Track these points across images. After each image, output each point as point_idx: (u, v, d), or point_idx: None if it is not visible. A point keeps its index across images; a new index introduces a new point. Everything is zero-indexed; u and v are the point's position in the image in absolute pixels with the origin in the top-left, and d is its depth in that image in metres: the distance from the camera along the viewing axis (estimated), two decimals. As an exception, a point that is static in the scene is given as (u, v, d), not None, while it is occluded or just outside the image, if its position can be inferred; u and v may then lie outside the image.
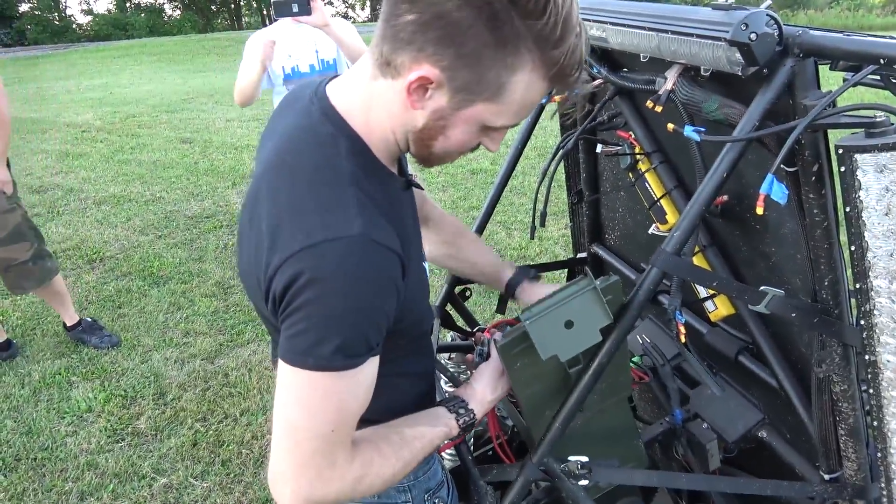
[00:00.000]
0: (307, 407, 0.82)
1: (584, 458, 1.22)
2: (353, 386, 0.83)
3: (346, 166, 0.84)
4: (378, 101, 0.85)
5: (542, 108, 1.67)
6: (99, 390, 3.09)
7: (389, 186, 0.91)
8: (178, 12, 34.53)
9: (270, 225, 0.83)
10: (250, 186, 0.93)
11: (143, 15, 32.04)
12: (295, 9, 2.68)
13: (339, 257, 0.77)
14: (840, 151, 0.94)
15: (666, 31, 1.12)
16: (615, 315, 1.09)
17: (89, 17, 32.14)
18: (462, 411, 1.05)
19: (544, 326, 1.03)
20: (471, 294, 1.86)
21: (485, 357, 1.19)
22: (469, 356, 1.24)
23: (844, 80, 1.03)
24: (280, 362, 0.82)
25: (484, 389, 1.12)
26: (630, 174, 1.58)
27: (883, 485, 1.13)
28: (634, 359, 1.63)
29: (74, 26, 31.05)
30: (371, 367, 0.84)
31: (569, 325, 1.03)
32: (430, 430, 1.00)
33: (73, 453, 2.71)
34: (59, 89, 11.87)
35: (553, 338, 1.03)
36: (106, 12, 32.61)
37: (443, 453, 1.63)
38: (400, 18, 0.77)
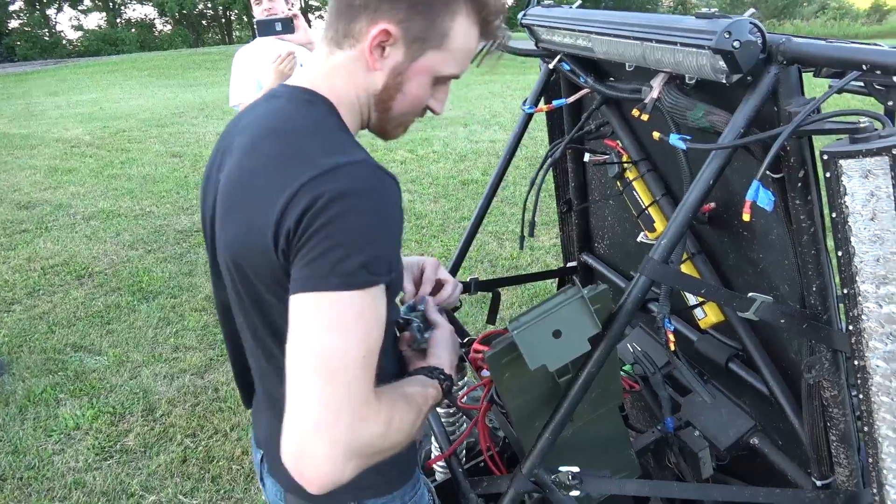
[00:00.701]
0: (339, 329, 0.76)
1: (575, 469, 1.21)
2: (376, 309, 0.79)
3: (329, 121, 0.90)
4: (339, 72, 0.92)
5: (529, 117, 1.67)
6: (87, 407, 3.06)
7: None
8: (169, 27, 34.58)
9: (269, 175, 0.83)
10: (226, 173, 0.92)
11: (133, 30, 32.07)
12: (278, 27, 2.67)
13: (354, 176, 0.79)
14: (825, 157, 0.94)
15: (650, 40, 1.12)
16: (604, 324, 1.09)
17: (79, 33, 32.15)
18: (441, 376, 1.03)
19: (532, 336, 1.02)
20: (461, 305, 1.85)
21: (423, 329, 1.13)
22: (406, 334, 1.13)
23: (830, 86, 1.04)
24: (295, 298, 0.77)
25: (450, 356, 1.09)
26: (618, 183, 1.58)
27: (875, 490, 1.12)
28: (625, 367, 1.63)
29: (64, 42, 31.03)
30: (384, 300, 0.81)
31: (557, 334, 1.03)
32: (424, 390, 0.97)
33: (60, 472, 2.67)
34: (49, 105, 11.83)
35: (541, 347, 1.02)
36: (96, 28, 32.60)
37: (434, 465, 1.62)
38: None
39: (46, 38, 30.11)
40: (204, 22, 37.40)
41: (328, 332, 0.76)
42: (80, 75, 16.56)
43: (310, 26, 2.96)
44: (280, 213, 0.78)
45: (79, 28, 32.62)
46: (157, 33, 32.84)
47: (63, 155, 7.84)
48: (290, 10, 2.88)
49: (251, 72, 2.99)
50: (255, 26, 2.73)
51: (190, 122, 9.65)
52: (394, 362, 1.06)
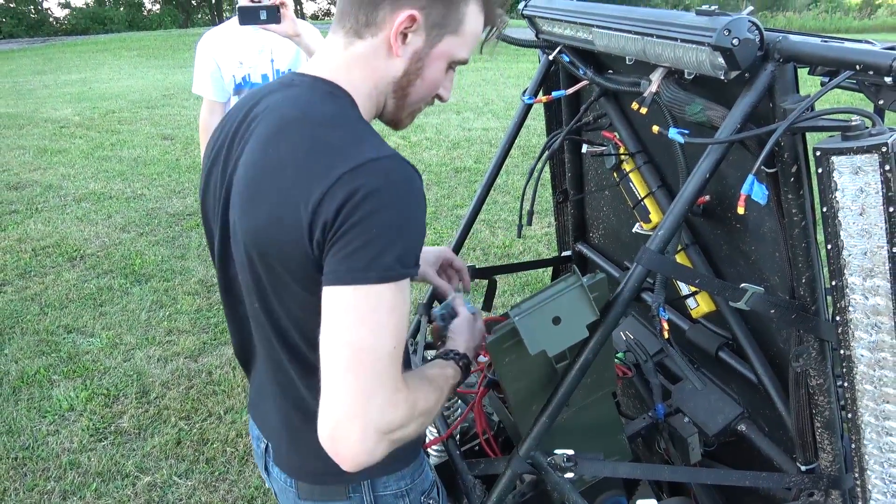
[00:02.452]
0: (373, 323, 0.80)
1: (570, 452, 1.25)
2: (405, 300, 0.83)
3: (355, 115, 0.92)
4: (359, 62, 0.94)
5: (528, 107, 1.70)
6: (81, 389, 3.07)
7: None
8: (158, 7, 34.11)
9: (299, 166, 0.84)
10: (246, 160, 0.92)
11: (122, 9, 31.60)
12: (263, 16, 2.40)
13: (389, 171, 0.82)
14: (818, 154, 0.97)
15: (651, 35, 1.15)
16: (601, 311, 1.12)
17: (67, 11, 31.63)
18: (456, 357, 1.09)
19: (533, 322, 1.05)
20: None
21: (449, 319, 1.25)
22: (434, 325, 1.28)
23: (822, 83, 1.07)
24: (331, 290, 0.81)
25: (466, 341, 1.16)
26: (615, 174, 1.61)
27: (857, 475, 1.17)
28: (618, 355, 1.67)
29: (51, 20, 30.52)
30: (409, 289, 0.85)
31: (556, 321, 1.06)
32: (442, 371, 1.03)
33: (55, 452, 2.68)
34: (37, 84, 11.68)
35: (541, 333, 1.06)
36: (84, 6, 32.10)
37: (430, 448, 1.66)
38: None
39: (33, 16, 29.61)
40: (193, 2, 36.92)
41: (363, 325, 0.80)
42: (68, 54, 16.34)
43: (301, 13, 2.78)
44: (316, 205, 0.80)
45: (66, 6, 32.10)
46: (146, 13, 32.39)
47: (52, 135, 7.77)
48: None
49: (215, 59, 2.80)
50: (237, 12, 2.43)
51: (181, 105, 9.56)
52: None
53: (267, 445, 1.13)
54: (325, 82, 0.94)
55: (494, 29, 1.02)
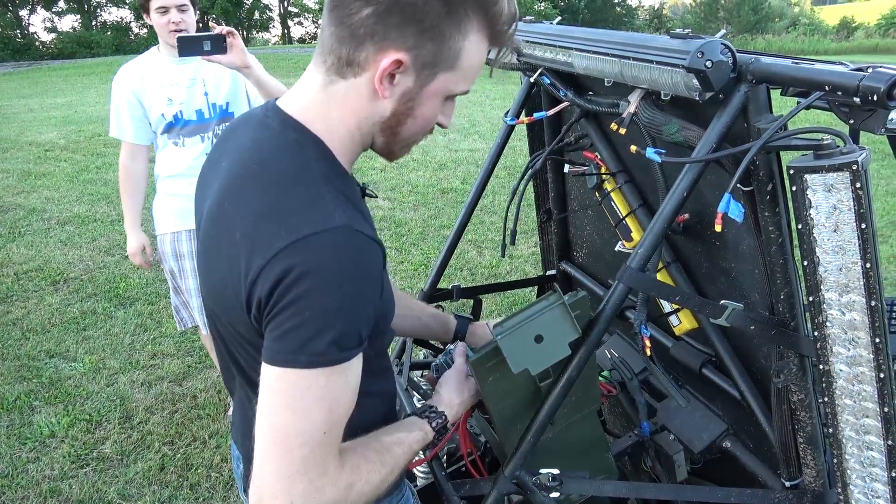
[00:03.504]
0: (300, 409, 0.78)
1: (556, 471, 1.25)
2: (345, 382, 0.81)
3: (316, 167, 0.85)
4: (339, 103, 0.87)
5: (511, 129, 1.72)
6: (62, 415, 3.02)
7: (354, 189, 0.93)
8: (145, 31, 34.22)
9: (246, 232, 0.80)
10: (209, 205, 0.90)
11: (109, 33, 31.67)
12: (206, 47, 2.10)
13: (329, 248, 0.76)
14: (791, 172, 0.99)
15: (628, 58, 1.17)
16: (583, 329, 1.13)
17: (53, 35, 31.64)
18: (433, 415, 1.07)
19: (515, 341, 1.05)
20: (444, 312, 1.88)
21: (444, 369, 1.24)
22: (429, 375, 1.27)
23: (798, 103, 1.10)
24: (266, 368, 0.78)
25: (451, 394, 1.14)
26: (597, 193, 1.63)
27: (840, 489, 1.17)
28: (603, 373, 1.67)
29: (38, 44, 30.50)
30: (358, 363, 0.82)
31: (539, 339, 1.06)
32: (407, 436, 1.00)
33: (34, 480, 2.63)
34: (21, 107, 11.63)
35: (524, 352, 1.06)
36: (71, 30, 32.14)
37: (415, 469, 1.65)
38: (355, 16, 0.80)
39: (19, 40, 29.60)
40: (181, 26, 36.99)
41: (289, 409, 0.78)
42: (53, 78, 16.31)
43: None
44: (253, 280, 0.78)
45: (52, 30, 32.13)
46: (132, 37, 32.45)
47: (37, 159, 7.72)
48: (214, 27, 2.19)
49: (137, 96, 2.48)
50: (176, 43, 2.11)
51: (167, 128, 9.54)
52: (382, 383, 1.05)
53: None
54: (294, 128, 0.87)
55: (504, 49, 0.93)
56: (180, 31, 2.37)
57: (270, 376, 0.78)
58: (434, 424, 1.06)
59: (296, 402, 0.78)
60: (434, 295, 1.82)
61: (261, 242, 0.78)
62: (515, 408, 1.23)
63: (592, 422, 1.39)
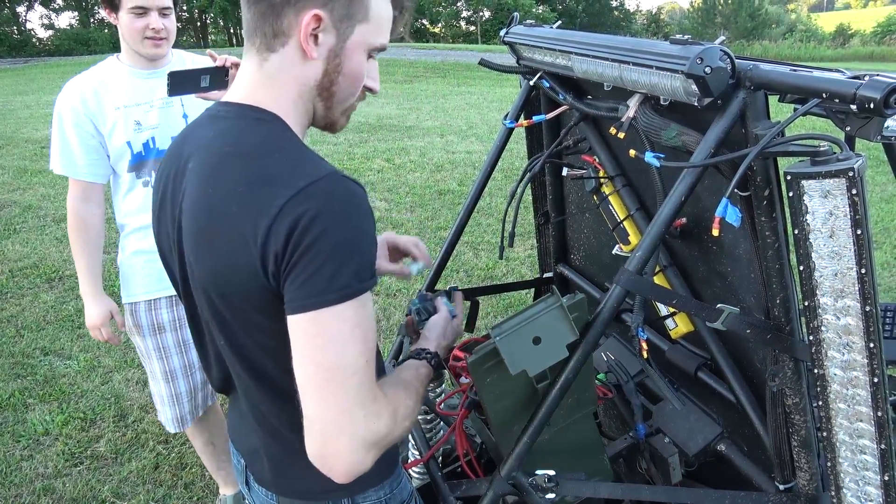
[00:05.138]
0: (341, 343, 0.82)
1: (552, 472, 1.25)
2: (368, 312, 0.85)
3: (285, 136, 0.91)
4: (277, 77, 0.92)
5: (510, 132, 1.73)
6: (57, 412, 3.01)
7: None
8: (143, 29, 34.06)
9: (242, 203, 0.84)
10: (189, 202, 0.91)
11: (106, 30, 31.58)
12: (204, 83, 1.76)
13: (328, 192, 0.82)
14: (788, 178, 1.00)
15: (628, 63, 1.18)
16: (581, 331, 1.14)
17: (50, 32, 31.54)
18: (428, 356, 1.12)
19: (513, 342, 1.06)
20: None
21: (426, 315, 1.29)
22: (409, 318, 1.32)
23: (795, 109, 1.11)
24: (295, 318, 0.82)
25: (438, 338, 1.19)
26: (595, 197, 1.64)
27: (833, 493, 1.18)
28: (599, 376, 1.68)
29: (34, 40, 30.42)
30: (371, 299, 0.87)
31: (537, 341, 1.07)
32: (416, 372, 1.06)
33: (28, 478, 2.62)
34: (18, 104, 11.60)
35: (522, 353, 1.07)
36: (68, 27, 32.04)
37: (411, 470, 1.65)
38: None
39: (15, 36, 29.50)
40: (179, 24, 37.01)
41: (332, 346, 0.82)
42: (50, 75, 16.27)
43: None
44: (264, 238, 0.81)
45: (49, 27, 32.03)
46: (130, 35, 32.34)
47: (33, 156, 7.70)
48: (213, 56, 1.83)
49: (92, 122, 1.89)
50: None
51: (164, 126, 9.52)
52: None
53: (246, 465, 1.13)
54: (251, 109, 0.92)
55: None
56: (160, 39, 1.88)
57: (303, 323, 0.82)
58: (433, 363, 1.12)
59: (336, 338, 0.82)
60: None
61: (261, 205, 0.82)
62: (512, 409, 1.24)
63: (589, 424, 1.39)
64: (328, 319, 0.81)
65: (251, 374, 0.97)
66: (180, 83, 1.74)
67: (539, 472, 1.25)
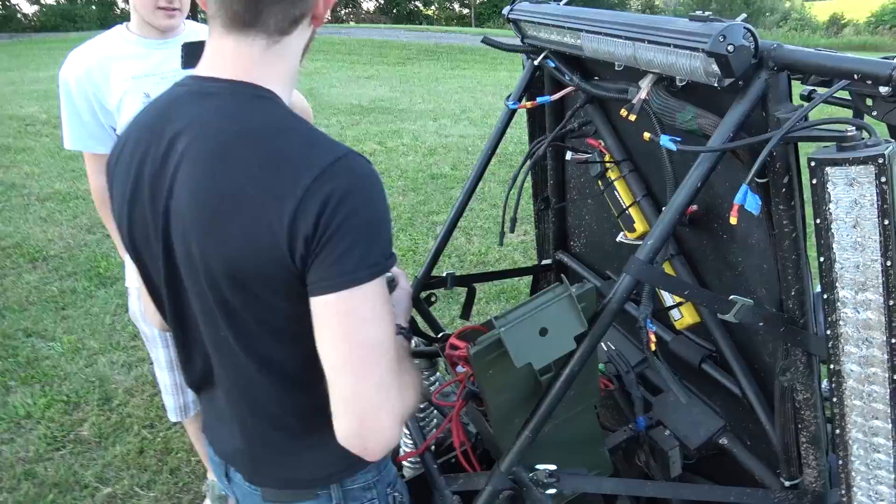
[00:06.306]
0: (375, 320, 0.82)
1: (553, 467, 1.21)
2: (387, 289, 0.87)
3: (286, 112, 0.87)
4: (286, 52, 0.89)
5: (512, 113, 1.66)
6: (39, 395, 2.94)
7: None
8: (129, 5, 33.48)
9: (262, 186, 0.80)
10: (189, 189, 0.84)
11: (93, 7, 30.99)
12: None
13: (351, 171, 0.81)
14: (812, 164, 0.95)
15: (643, 40, 1.12)
16: (588, 322, 1.09)
17: (35, 7, 30.88)
18: (403, 331, 1.13)
19: (519, 333, 1.01)
20: (437, 299, 1.84)
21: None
22: None
23: (802, 96, 1.05)
24: (325, 299, 0.80)
25: (403, 312, 1.22)
26: (599, 182, 1.58)
27: (843, 492, 1.15)
28: (599, 366, 1.64)
29: (20, 16, 29.78)
30: None
31: (543, 332, 1.02)
32: (402, 345, 1.08)
33: (8, 462, 2.56)
34: (2, 80, 11.34)
35: (528, 345, 1.02)
36: (54, 3, 31.40)
37: (404, 462, 1.60)
38: None
39: (0, 12, 28.90)
40: (168, 2, 36.28)
41: (367, 324, 0.82)
42: (35, 51, 15.93)
43: None
44: (291, 221, 0.78)
45: (35, 2, 31.35)
46: (118, 11, 31.75)
47: (17, 133, 7.52)
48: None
49: (100, 95, 1.82)
50: (181, 51, 1.50)
51: (152, 104, 9.34)
52: None
53: (227, 468, 1.10)
54: (245, 85, 0.87)
55: None
56: (174, 10, 1.80)
57: (334, 303, 0.81)
58: (407, 339, 1.16)
59: (370, 316, 0.82)
60: (428, 282, 1.77)
61: (283, 187, 0.79)
62: (514, 402, 1.19)
63: (590, 416, 1.35)
64: (361, 297, 0.81)
65: (254, 362, 0.91)
66: (195, 55, 1.64)
67: (539, 466, 1.20)
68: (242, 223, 0.81)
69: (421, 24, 31.14)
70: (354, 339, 0.81)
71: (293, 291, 0.83)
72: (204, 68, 0.90)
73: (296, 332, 0.86)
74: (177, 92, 0.92)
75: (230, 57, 0.88)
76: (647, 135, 1.17)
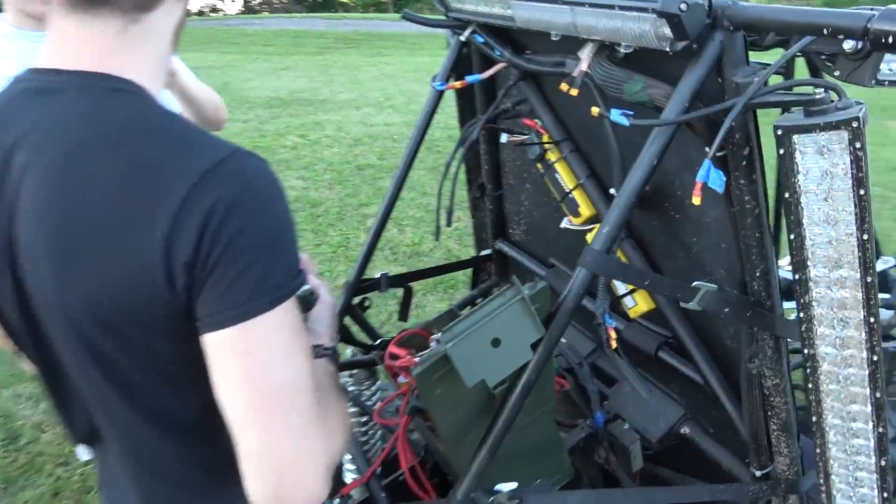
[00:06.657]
0: (282, 356, 0.67)
1: (514, 485, 1.09)
2: (300, 313, 0.72)
3: (160, 108, 0.71)
4: (149, 34, 0.73)
5: (440, 95, 1.52)
6: (-69, 441, 2.62)
7: None
8: None
9: (129, 203, 0.64)
10: (31, 208, 0.68)
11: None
12: None
13: (241, 172, 0.66)
14: (779, 132, 0.86)
15: (583, 4, 1.00)
16: (543, 324, 0.97)
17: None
18: (325, 352, 0.94)
19: (468, 349, 0.88)
20: (370, 304, 1.69)
21: (308, 304, 1.04)
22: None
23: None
24: (218, 336, 0.65)
25: (327, 329, 1.01)
26: (538, 165, 1.47)
27: (821, 480, 1.08)
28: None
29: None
30: None
31: (496, 343, 0.89)
32: (327, 371, 0.88)
33: None
34: None
35: (479, 361, 0.89)
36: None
37: (351, 492, 1.45)
38: None
39: None
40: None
41: (270, 363, 0.67)
42: None
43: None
44: (165, 242, 0.63)
45: None
46: None
47: None
48: None
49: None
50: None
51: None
52: None
53: None
54: (98, 77, 0.69)
55: None
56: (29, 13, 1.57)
57: (231, 340, 0.66)
58: (334, 361, 0.95)
59: (275, 350, 0.67)
60: (361, 286, 1.61)
61: (154, 202, 0.63)
62: (466, 419, 1.06)
63: (548, 421, 1.24)
64: (263, 330, 0.66)
65: (143, 417, 0.75)
66: None
67: (500, 486, 1.08)
68: (101, 252, 0.65)
69: (337, 11, 30.48)
70: (259, 383, 0.66)
71: (178, 331, 0.67)
72: (44, 59, 0.72)
73: (190, 377, 0.70)
74: (12, 91, 0.73)
75: (74, 43, 0.70)
76: (595, 110, 1.05)
